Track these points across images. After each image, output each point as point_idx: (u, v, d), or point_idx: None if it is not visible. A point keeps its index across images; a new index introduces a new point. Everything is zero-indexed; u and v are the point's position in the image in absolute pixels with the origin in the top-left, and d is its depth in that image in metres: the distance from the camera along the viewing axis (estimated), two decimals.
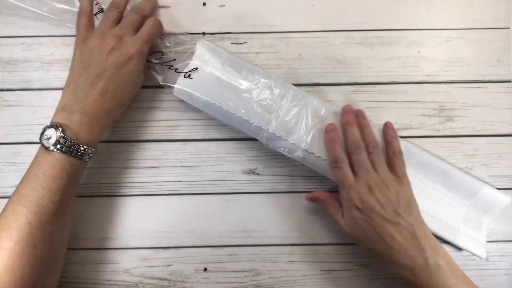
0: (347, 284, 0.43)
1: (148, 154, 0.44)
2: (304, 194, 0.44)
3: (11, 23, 0.45)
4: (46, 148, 0.34)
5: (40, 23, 0.45)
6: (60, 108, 0.36)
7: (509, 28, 0.46)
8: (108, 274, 0.43)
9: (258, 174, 0.44)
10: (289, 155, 0.40)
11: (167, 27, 0.45)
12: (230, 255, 0.43)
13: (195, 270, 0.43)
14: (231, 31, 0.46)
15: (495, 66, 0.45)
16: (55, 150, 0.34)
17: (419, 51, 0.46)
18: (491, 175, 0.44)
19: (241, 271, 0.43)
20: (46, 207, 0.34)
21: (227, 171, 0.44)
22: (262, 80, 0.40)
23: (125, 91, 0.38)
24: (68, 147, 0.34)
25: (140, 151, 0.44)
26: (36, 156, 0.36)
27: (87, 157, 0.36)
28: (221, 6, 0.46)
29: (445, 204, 0.40)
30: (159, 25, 0.41)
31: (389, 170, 0.39)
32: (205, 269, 0.43)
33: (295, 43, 0.45)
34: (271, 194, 0.44)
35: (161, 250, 0.43)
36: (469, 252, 0.41)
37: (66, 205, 0.36)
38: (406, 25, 0.46)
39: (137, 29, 0.40)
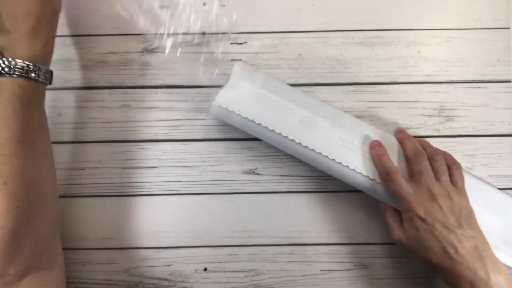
0: (347, 284, 0.43)
1: (148, 154, 0.44)
2: (304, 194, 0.44)
3: None
4: None
5: None
6: None
7: (509, 28, 0.46)
8: (108, 274, 0.43)
9: (258, 174, 0.44)
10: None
11: (167, 27, 0.45)
12: (230, 255, 0.43)
13: (195, 270, 0.43)
14: (231, 31, 0.46)
15: (495, 66, 0.45)
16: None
17: (419, 51, 0.46)
18: (491, 175, 0.44)
19: (241, 271, 0.43)
20: (6, 137, 0.32)
21: (227, 171, 0.44)
22: (301, 101, 0.41)
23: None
24: (8, 67, 0.32)
25: (140, 151, 0.44)
26: None
27: (35, 74, 0.34)
28: (221, 6, 0.46)
29: (482, 222, 0.39)
30: None
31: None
32: (205, 269, 0.43)
33: (295, 43, 0.45)
34: (271, 194, 0.44)
35: (161, 250, 0.43)
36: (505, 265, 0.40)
37: (31, 135, 0.34)
38: (406, 25, 0.46)
39: None
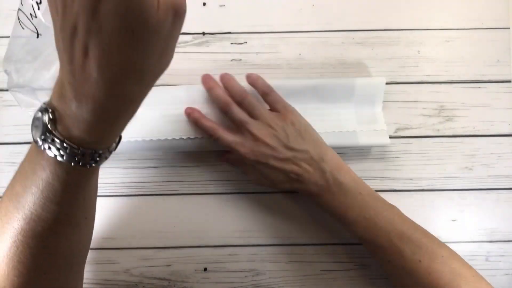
0: (347, 284, 0.43)
1: (148, 154, 0.44)
2: None
3: (11, 23, 0.45)
4: (35, 141, 0.25)
5: None
6: (57, 84, 0.24)
7: (509, 28, 0.46)
8: (108, 274, 0.43)
9: None
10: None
11: None
12: (230, 255, 0.43)
13: (195, 270, 0.43)
14: (231, 31, 0.46)
15: (495, 66, 0.45)
16: (43, 149, 0.24)
17: (419, 51, 0.46)
18: (491, 175, 0.44)
19: (241, 271, 0.43)
20: (41, 217, 0.26)
21: (227, 171, 0.44)
22: None
23: (127, 51, 0.21)
24: (58, 149, 0.24)
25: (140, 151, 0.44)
26: (30, 146, 0.27)
27: (92, 162, 0.25)
28: (221, 6, 0.46)
29: (333, 116, 0.41)
30: None
31: (269, 110, 0.40)
32: (205, 269, 0.43)
33: (295, 43, 0.45)
34: (271, 194, 0.44)
35: (161, 250, 0.43)
36: (373, 145, 0.42)
37: (71, 212, 0.28)
38: (406, 25, 0.46)
39: None
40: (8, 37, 0.45)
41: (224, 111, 0.40)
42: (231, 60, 0.45)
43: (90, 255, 0.43)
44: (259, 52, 0.45)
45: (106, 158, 0.27)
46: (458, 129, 0.45)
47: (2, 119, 0.44)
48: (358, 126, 0.41)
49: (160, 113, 0.41)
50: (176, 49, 0.46)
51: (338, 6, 0.46)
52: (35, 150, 0.26)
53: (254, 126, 0.38)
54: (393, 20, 0.46)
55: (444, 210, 0.44)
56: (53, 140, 0.24)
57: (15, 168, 0.44)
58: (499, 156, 0.45)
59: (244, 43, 0.46)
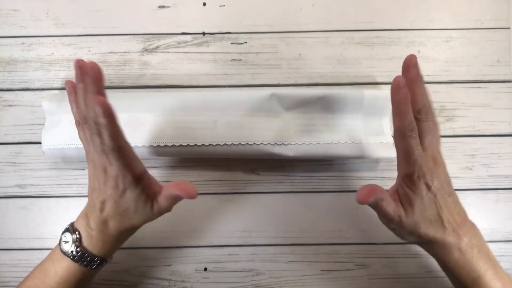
0: (347, 284, 0.43)
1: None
2: (304, 194, 0.44)
3: (11, 23, 0.46)
4: (62, 252, 0.34)
5: (40, 23, 0.46)
6: (84, 214, 0.35)
7: (509, 28, 0.46)
8: (108, 274, 0.43)
9: (258, 174, 0.44)
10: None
11: (167, 27, 0.45)
12: (230, 255, 0.43)
13: (195, 270, 0.43)
14: (231, 31, 0.46)
15: (495, 66, 0.45)
16: (69, 257, 0.34)
17: (419, 51, 0.46)
18: (491, 175, 0.44)
19: (241, 271, 0.43)
20: None
21: (227, 171, 0.44)
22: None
23: (131, 217, 0.34)
24: (80, 257, 0.34)
25: None
26: (53, 252, 0.35)
27: (100, 267, 0.35)
28: (221, 6, 0.46)
29: (340, 127, 0.41)
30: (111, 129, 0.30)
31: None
32: (205, 269, 0.43)
33: (295, 43, 0.45)
34: (271, 194, 0.44)
35: (161, 250, 0.43)
36: (379, 158, 0.41)
37: None
38: (406, 25, 0.46)
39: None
40: (8, 37, 0.45)
41: (420, 117, 0.32)
42: (231, 60, 0.45)
43: None
44: (259, 52, 0.45)
45: (105, 265, 0.36)
46: (458, 129, 0.45)
47: (2, 119, 0.45)
48: (365, 138, 0.41)
49: (166, 119, 0.40)
50: (176, 49, 0.46)
51: (338, 6, 0.46)
52: (58, 256, 0.34)
53: (439, 153, 0.33)
54: (393, 20, 0.46)
55: None
56: (76, 255, 0.34)
57: (15, 168, 0.44)
58: (499, 156, 0.45)
59: (244, 43, 0.46)
